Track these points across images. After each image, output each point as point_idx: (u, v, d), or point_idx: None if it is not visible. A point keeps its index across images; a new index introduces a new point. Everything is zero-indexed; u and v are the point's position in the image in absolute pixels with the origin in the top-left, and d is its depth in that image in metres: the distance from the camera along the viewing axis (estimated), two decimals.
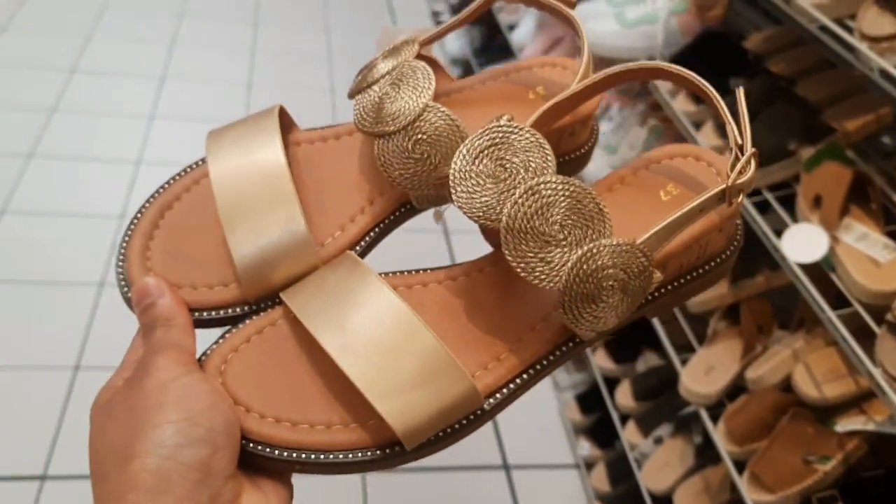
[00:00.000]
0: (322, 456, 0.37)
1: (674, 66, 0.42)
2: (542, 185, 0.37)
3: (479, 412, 0.39)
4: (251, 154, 0.44)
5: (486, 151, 0.38)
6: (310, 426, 0.37)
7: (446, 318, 0.41)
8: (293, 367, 0.39)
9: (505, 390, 0.40)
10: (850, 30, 1.02)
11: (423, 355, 0.37)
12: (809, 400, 1.09)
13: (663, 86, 1.37)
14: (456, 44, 2.67)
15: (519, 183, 0.37)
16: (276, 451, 0.37)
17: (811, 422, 1.09)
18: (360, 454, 0.37)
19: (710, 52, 1.33)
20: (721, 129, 1.23)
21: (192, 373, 0.37)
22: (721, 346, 1.28)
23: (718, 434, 1.18)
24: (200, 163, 0.47)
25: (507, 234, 0.36)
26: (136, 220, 0.45)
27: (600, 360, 1.59)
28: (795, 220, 1.10)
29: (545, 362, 0.40)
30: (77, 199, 1.94)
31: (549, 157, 0.38)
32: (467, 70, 2.54)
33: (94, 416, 0.37)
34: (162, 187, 0.46)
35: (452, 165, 0.38)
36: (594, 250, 0.36)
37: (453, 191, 0.38)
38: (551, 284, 0.36)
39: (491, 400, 0.39)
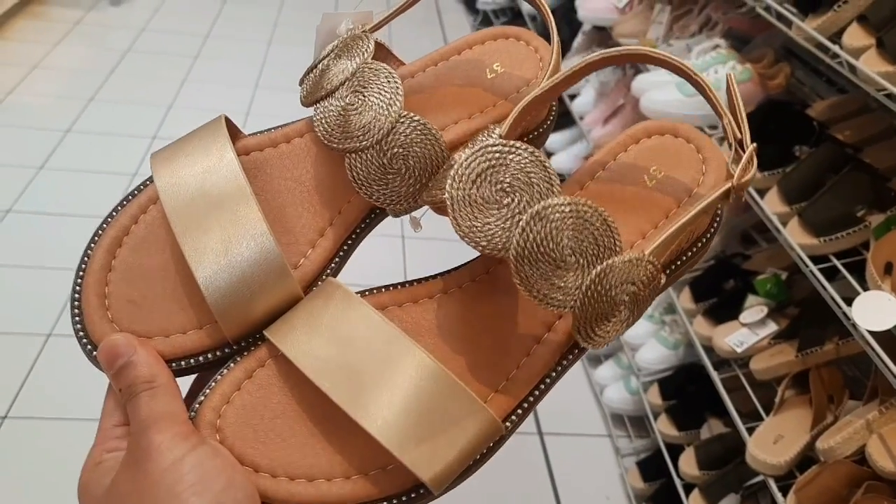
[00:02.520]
0: None
1: (659, 51, 0.39)
2: (549, 209, 0.35)
3: (498, 439, 0.37)
4: (205, 175, 0.39)
5: (483, 175, 0.35)
6: (327, 479, 0.35)
7: (449, 339, 0.39)
8: (295, 413, 0.36)
9: (520, 410, 0.38)
10: None
11: (441, 397, 0.35)
12: (885, 473, 1.06)
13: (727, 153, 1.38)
14: None
15: (524, 208, 0.35)
16: None
17: (887, 496, 1.06)
18: (385, 503, 0.35)
19: (774, 121, 1.34)
20: (789, 197, 1.23)
21: (196, 447, 0.34)
22: (790, 414, 1.26)
23: None
24: (142, 187, 0.42)
25: (518, 263, 0.34)
26: (84, 265, 0.39)
27: (663, 427, 1.57)
28: (865, 287, 1.09)
29: (554, 374, 0.39)
30: None
31: (552, 177, 0.36)
32: None
33: None
34: (105, 221, 0.41)
35: (448, 190, 0.35)
36: (607, 270, 0.35)
37: (453, 219, 0.35)
38: (566, 309, 0.35)
39: (508, 424, 0.38)
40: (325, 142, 0.41)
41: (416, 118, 0.40)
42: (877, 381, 1.16)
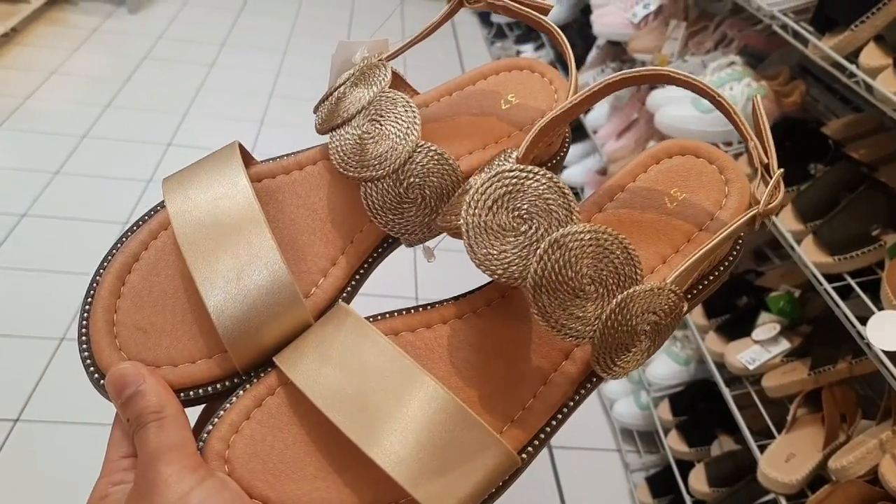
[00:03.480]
0: None
1: (683, 73, 0.38)
2: (568, 237, 0.33)
3: (514, 471, 0.36)
4: (218, 202, 0.39)
5: (500, 201, 0.34)
6: None
7: (463, 367, 0.38)
8: (305, 444, 0.36)
9: (536, 441, 0.37)
10: None
11: (455, 430, 0.34)
12: None
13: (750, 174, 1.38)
14: None
15: (542, 236, 0.34)
16: None
17: None
18: None
19: (789, 138, 1.34)
20: (804, 215, 1.23)
21: (204, 480, 0.33)
22: (802, 433, 1.25)
23: None
24: (153, 212, 0.41)
25: (536, 293, 0.33)
26: (93, 290, 0.39)
27: (673, 443, 1.56)
28: (879, 307, 1.09)
29: (571, 403, 0.38)
30: None
31: (570, 203, 0.34)
32: None
33: None
34: (115, 247, 0.40)
35: (463, 216, 0.34)
36: (628, 299, 0.34)
37: (468, 246, 0.34)
38: (585, 340, 0.34)
39: (524, 455, 0.37)
40: (341, 170, 0.40)
41: (432, 148, 0.39)
42: (890, 400, 1.16)
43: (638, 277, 0.34)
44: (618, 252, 0.34)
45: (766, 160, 0.36)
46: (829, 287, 1.13)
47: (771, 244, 1.60)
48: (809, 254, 1.19)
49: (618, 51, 2.28)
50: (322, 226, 0.41)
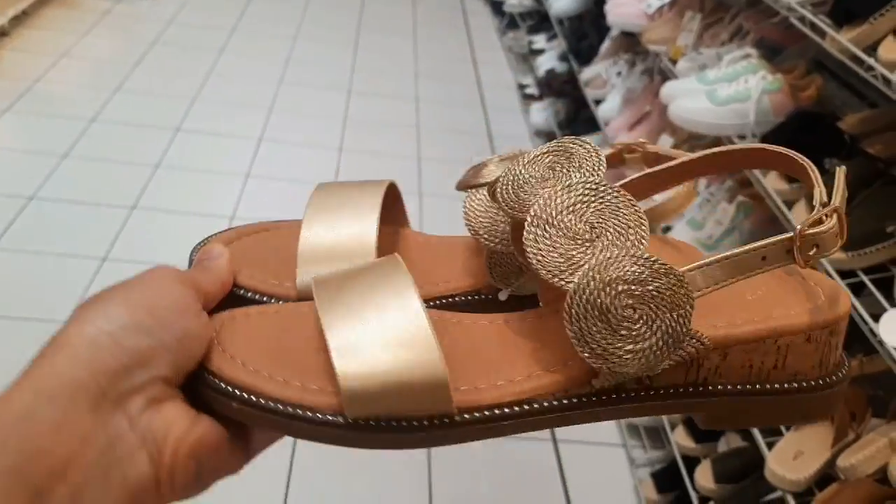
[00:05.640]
0: (279, 406, 0.33)
1: (777, 147, 0.39)
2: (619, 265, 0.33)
3: (444, 418, 0.34)
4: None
5: (571, 207, 0.35)
6: (284, 381, 0.34)
7: (463, 343, 0.38)
8: (296, 339, 0.36)
9: (478, 414, 0.35)
10: None
11: (404, 329, 0.34)
12: None
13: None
14: (541, 115, 2.73)
15: (605, 247, 0.34)
16: (235, 391, 0.33)
17: None
18: (318, 415, 0.33)
19: (804, 132, 1.32)
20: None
21: (183, 283, 0.35)
22: (810, 430, 1.24)
23: None
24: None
25: (571, 305, 0.33)
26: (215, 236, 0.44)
27: (679, 438, 1.55)
28: (893, 304, 1.07)
29: (536, 406, 0.36)
30: (174, 250, 2.04)
31: (642, 218, 0.35)
32: None
33: None
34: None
35: (532, 210, 0.35)
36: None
37: (526, 233, 0.35)
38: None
39: (466, 415, 0.35)
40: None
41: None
42: None
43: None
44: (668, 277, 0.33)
45: (825, 199, 0.36)
46: (841, 283, 1.12)
47: None
48: None
49: (631, 42, 2.26)
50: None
